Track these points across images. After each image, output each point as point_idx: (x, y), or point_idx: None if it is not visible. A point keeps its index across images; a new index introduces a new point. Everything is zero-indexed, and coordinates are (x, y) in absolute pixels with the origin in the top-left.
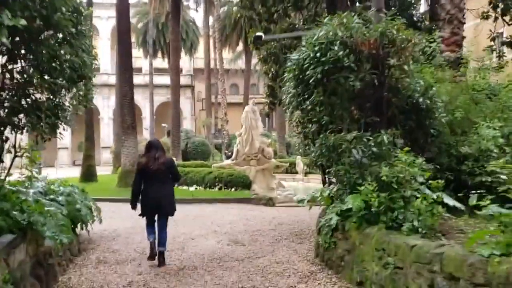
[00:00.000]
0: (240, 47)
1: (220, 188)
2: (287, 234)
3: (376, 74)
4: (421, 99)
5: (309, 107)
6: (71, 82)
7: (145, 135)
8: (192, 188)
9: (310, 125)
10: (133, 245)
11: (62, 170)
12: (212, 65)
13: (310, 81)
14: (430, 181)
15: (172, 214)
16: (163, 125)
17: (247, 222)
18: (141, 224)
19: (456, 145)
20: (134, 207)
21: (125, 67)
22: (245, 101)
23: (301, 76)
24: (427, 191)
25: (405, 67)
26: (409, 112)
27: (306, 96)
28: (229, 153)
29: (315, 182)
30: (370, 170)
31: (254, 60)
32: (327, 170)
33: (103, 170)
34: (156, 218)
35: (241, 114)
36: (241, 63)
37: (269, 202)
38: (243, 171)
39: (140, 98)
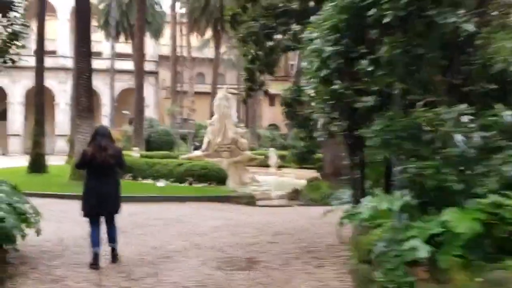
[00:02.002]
0: (209, 33)
1: (190, 183)
2: (295, 251)
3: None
4: None
5: (368, 69)
6: None
7: (105, 123)
8: (161, 184)
9: (366, 98)
10: (84, 267)
11: (11, 159)
12: (178, 53)
13: (379, 23)
14: None
15: (117, 212)
16: (124, 112)
17: (235, 229)
18: None
19: None
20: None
21: (82, 40)
22: (213, 90)
23: (346, 24)
24: None
25: None
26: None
27: (364, 51)
28: (197, 144)
29: (289, 177)
30: (493, 168)
31: (222, 49)
32: (397, 168)
33: (58, 160)
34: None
35: (208, 104)
36: (207, 52)
37: (251, 200)
38: (215, 163)
39: (100, 84)
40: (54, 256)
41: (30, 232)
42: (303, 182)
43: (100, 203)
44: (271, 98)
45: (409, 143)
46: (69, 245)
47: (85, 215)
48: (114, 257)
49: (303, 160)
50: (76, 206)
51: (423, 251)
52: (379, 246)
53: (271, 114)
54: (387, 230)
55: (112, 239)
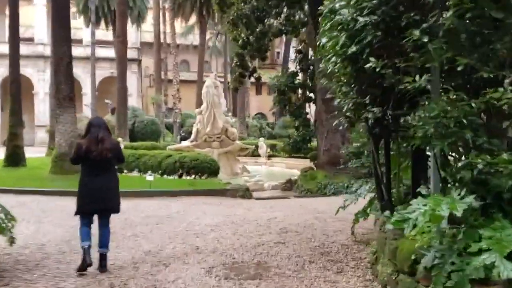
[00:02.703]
0: (193, 19)
1: (180, 176)
2: (307, 252)
3: None
4: None
5: (424, 40)
6: None
7: (86, 112)
8: (149, 177)
9: (418, 78)
10: (69, 281)
11: None
12: (161, 39)
13: None
14: None
15: (118, 210)
16: (106, 101)
17: (237, 228)
18: None
19: None
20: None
21: (61, 25)
22: (199, 78)
23: None
24: None
25: None
26: None
27: (416, 18)
28: (183, 133)
29: (279, 166)
30: None
31: (207, 36)
32: (462, 162)
33: (37, 152)
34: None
35: (193, 92)
36: (192, 39)
37: (247, 193)
38: (207, 154)
39: (81, 72)
40: (32, 267)
41: (2, 240)
42: (295, 171)
43: (97, 200)
44: (258, 86)
45: (472, 132)
46: (50, 252)
47: (78, 212)
48: (104, 265)
49: (297, 149)
50: (58, 203)
51: (507, 270)
52: (429, 256)
53: (257, 103)
54: (433, 236)
55: (103, 244)
